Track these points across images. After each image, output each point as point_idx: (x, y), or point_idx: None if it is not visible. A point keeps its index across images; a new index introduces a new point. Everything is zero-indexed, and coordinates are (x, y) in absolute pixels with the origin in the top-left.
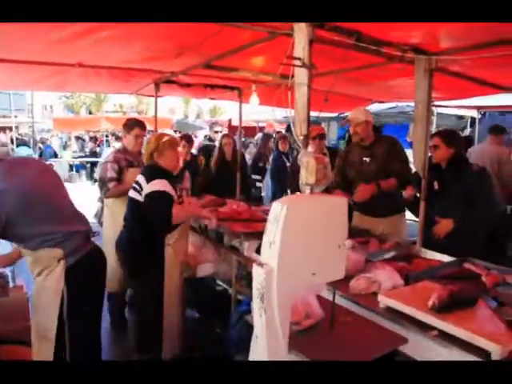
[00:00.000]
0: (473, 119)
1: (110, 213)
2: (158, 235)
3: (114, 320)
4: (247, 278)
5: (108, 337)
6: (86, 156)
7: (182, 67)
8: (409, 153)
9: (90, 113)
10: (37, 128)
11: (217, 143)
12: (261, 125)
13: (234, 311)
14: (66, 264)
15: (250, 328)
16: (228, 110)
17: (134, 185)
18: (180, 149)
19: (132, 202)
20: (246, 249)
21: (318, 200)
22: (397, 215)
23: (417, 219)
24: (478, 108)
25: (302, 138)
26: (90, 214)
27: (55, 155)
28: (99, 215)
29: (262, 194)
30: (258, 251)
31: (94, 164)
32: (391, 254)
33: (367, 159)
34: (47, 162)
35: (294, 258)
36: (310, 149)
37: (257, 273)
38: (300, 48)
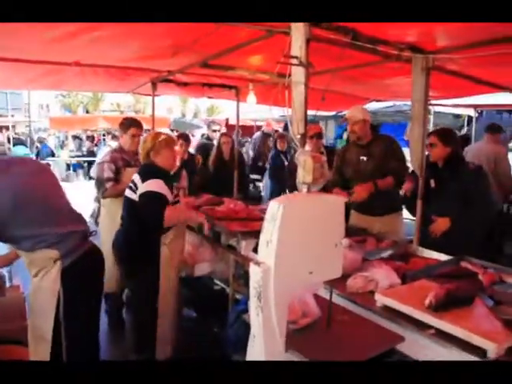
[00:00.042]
0: (470, 118)
1: (106, 213)
2: (154, 235)
3: (112, 321)
4: (244, 277)
5: (106, 337)
6: (83, 155)
7: (178, 66)
8: (406, 151)
9: (87, 112)
10: (34, 127)
11: (215, 142)
12: (258, 124)
13: (232, 310)
14: (62, 265)
15: (247, 327)
16: (225, 109)
17: (130, 184)
18: (177, 148)
19: (128, 202)
20: (243, 248)
21: (314, 199)
22: (394, 214)
23: (414, 218)
24: (475, 107)
25: (299, 136)
26: (86, 214)
27: (52, 154)
28: (96, 215)
29: (262, 194)
30: (255, 250)
31: (91, 163)
32: (388, 252)
33: (364, 158)
34: (44, 162)
35: (290, 257)
36: (308, 148)
37: (254, 272)
38: (297, 47)
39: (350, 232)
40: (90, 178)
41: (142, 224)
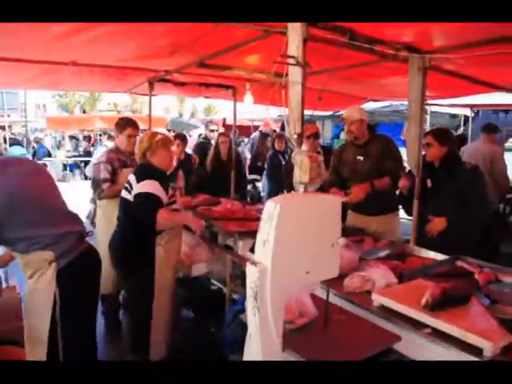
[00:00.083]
0: (466, 118)
1: (103, 214)
2: (150, 235)
3: (109, 322)
4: (241, 277)
5: (102, 339)
6: (80, 155)
7: (176, 66)
8: (403, 151)
9: (84, 112)
10: (30, 127)
11: (213, 142)
12: (255, 124)
13: (229, 310)
14: (57, 266)
15: (244, 327)
16: (222, 108)
17: (126, 184)
18: (174, 148)
19: (124, 202)
20: (240, 248)
21: (311, 199)
22: (390, 214)
23: (410, 217)
24: (472, 106)
25: (295, 136)
26: (83, 214)
27: (49, 154)
28: (92, 216)
29: (262, 194)
30: (252, 250)
31: (87, 163)
32: (385, 252)
33: (361, 158)
34: (41, 162)
35: (287, 257)
36: (304, 147)
37: (250, 271)
38: (294, 46)
39: (347, 232)
40: (86, 177)
41: (138, 224)
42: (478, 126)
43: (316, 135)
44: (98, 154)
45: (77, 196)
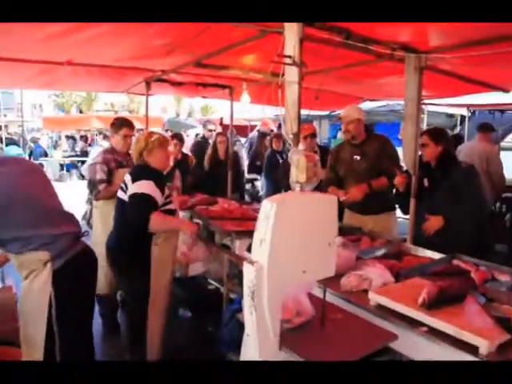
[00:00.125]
0: (463, 117)
1: (99, 214)
2: (146, 235)
3: (106, 322)
4: (239, 277)
5: (100, 339)
6: (76, 155)
7: (172, 65)
8: (400, 151)
9: (81, 112)
10: (26, 127)
11: (211, 141)
12: (253, 123)
13: (226, 310)
14: (53, 267)
15: (242, 326)
16: (219, 108)
17: (122, 185)
18: (171, 148)
19: (120, 203)
20: (237, 247)
21: (308, 198)
22: (387, 213)
23: (407, 217)
24: (468, 106)
25: (291, 136)
26: (79, 214)
27: (45, 154)
28: (88, 217)
29: (261, 193)
30: (249, 249)
31: (84, 163)
32: (382, 251)
33: (358, 157)
34: (37, 162)
35: (284, 256)
36: (301, 147)
37: (247, 271)
38: (290, 46)
39: (343, 231)
40: (83, 177)
41: (133, 225)
42: (474, 126)
43: (313, 135)
44: (94, 154)
45: (73, 196)
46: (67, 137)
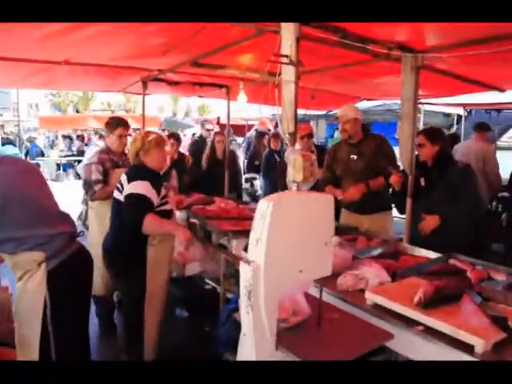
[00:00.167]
0: (459, 117)
1: (95, 215)
2: (142, 235)
3: (103, 323)
4: (235, 276)
5: (97, 340)
6: (73, 155)
7: (169, 65)
8: (397, 150)
9: (78, 111)
10: (23, 127)
11: (208, 141)
12: (250, 123)
13: (223, 309)
14: (48, 267)
15: (238, 326)
16: (216, 108)
17: (118, 185)
18: (168, 147)
19: (116, 203)
20: (234, 247)
21: (304, 197)
22: (383, 212)
23: (403, 216)
24: (465, 106)
25: (288, 136)
26: (75, 214)
27: (42, 154)
28: (84, 218)
29: (259, 192)
30: (246, 249)
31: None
32: (378, 251)
33: (355, 157)
34: (34, 162)
35: (280, 255)
36: (298, 146)
37: (244, 270)
38: (287, 45)
39: (340, 230)
40: (79, 176)
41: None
42: (470, 125)
43: (310, 135)
44: (90, 154)
45: (70, 196)
46: (64, 136)
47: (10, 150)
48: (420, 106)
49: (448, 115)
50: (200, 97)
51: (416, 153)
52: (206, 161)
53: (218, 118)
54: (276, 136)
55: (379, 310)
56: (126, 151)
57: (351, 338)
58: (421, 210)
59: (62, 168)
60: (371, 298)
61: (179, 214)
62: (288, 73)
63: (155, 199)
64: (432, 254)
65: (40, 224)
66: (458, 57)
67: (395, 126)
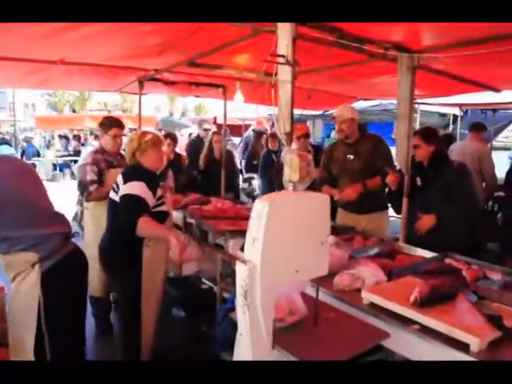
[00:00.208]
0: (455, 117)
1: (90, 216)
2: (137, 236)
3: (100, 324)
4: (232, 276)
5: (93, 340)
6: (69, 155)
7: (166, 65)
8: (394, 150)
9: (74, 111)
10: (19, 127)
11: (206, 141)
12: (247, 123)
13: (220, 309)
14: (42, 268)
15: (235, 326)
16: (212, 108)
17: (114, 185)
18: (165, 147)
19: (112, 204)
20: (230, 247)
21: (300, 197)
22: (380, 212)
23: (399, 216)
24: (460, 106)
25: (284, 136)
26: (70, 215)
27: (38, 154)
28: (79, 218)
29: (257, 192)
30: (242, 249)
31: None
32: (375, 250)
33: (351, 156)
34: (30, 162)
35: (277, 255)
36: (294, 146)
37: (240, 270)
38: (283, 45)
39: (336, 230)
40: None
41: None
42: (466, 125)
43: (306, 135)
44: (84, 154)
45: (66, 196)
46: (60, 136)
47: (5, 150)
48: (416, 105)
49: (444, 115)
50: (196, 97)
51: (412, 153)
52: (204, 161)
53: (215, 118)
54: (274, 136)
55: (375, 309)
56: (122, 151)
57: (347, 337)
58: (417, 210)
59: (58, 168)
60: (367, 297)
61: (176, 214)
62: (284, 73)
63: (151, 200)
64: (428, 254)
65: (34, 224)
66: (454, 57)
67: (392, 125)
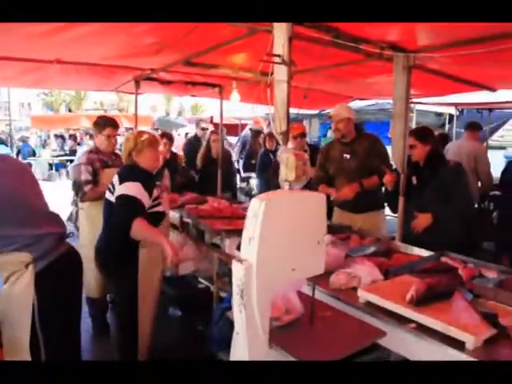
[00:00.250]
0: (451, 116)
1: (85, 216)
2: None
3: (97, 324)
4: (228, 275)
5: (90, 340)
6: (65, 154)
7: (162, 64)
8: (390, 149)
9: (70, 110)
10: (14, 126)
11: (203, 140)
12: (243, 122)
13: (216, 308)
14: (35, 269)
15: (232, 325)
16: (209, 107)
17: (109, 186)
18: (161, 147)
19: (108, 204)
20: (227, 246)
21: (296, 196)
22: (376, 211)
23: (396, 215)
24: (456, 105)
25: (281, 136)
26: (65, 215)
27: (33, 154)
28: (74, 219)
29: (255, 191)
30: (239, 248)
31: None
32: (371, 249)
33: (348, 156)
34: (26, 161)
35: (273, 254)
36: (290, 145)
37: (236, 269)
38: (279, 45)
39: (333, 229)
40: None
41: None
42: (462, 124)
43: (303, 135)
44: (79, 154)
45: (62, 196)
46: (56, 136)
47: (1, 150)
48: (412, 105)
49: (440, 114)
50: (193, 96)
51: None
52: (201, 160)
53: (211, 118)
54: (271, 136)
55: (372, 308)
56: (118, 151)
57: (344, 336)
58: (413, 209)
59: (54, 168)
60: (364, 295)
61: (172, 214)
62: (280, 72)
63: (146, 201)
64: (424, 252)
65: (28, 224)
66: (450, 56)
67: (388, 125)
